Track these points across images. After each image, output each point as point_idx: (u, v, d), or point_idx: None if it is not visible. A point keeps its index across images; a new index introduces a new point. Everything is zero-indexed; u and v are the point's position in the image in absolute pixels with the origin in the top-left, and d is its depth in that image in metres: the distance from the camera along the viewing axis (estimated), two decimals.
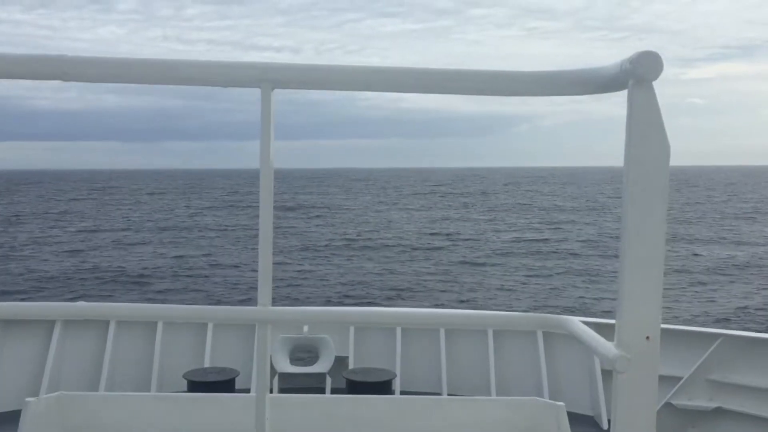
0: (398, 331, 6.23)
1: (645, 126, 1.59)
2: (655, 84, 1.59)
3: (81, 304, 2.22)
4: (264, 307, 1.91)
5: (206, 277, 25.60)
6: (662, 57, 1.57)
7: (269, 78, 1.82)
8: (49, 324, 5.93)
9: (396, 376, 5.82)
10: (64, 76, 1.81)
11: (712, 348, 5.38)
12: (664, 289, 1.66)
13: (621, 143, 1.67)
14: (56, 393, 2.96)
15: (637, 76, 1.56)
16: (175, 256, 30.39)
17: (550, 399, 4.29)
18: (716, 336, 5.44)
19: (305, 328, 6.14)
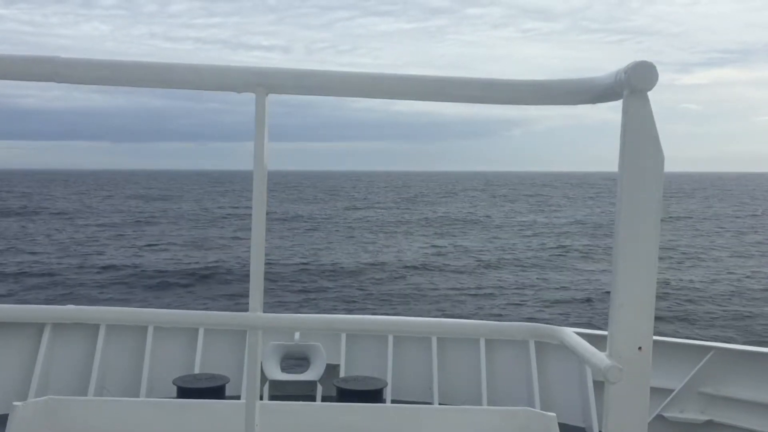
0: (390, 339, 6.22)
1: (639, 136, 1.60)
2: (650, 94, 1.59)
3: (71, 307, 2.20)
4: (255, 313, 1.89)
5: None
6: (659, 62, 1.58)
7: (264, 83, 1.82)
8: (38, 327, 5.89)
9: (387, 384, 5.80)
10: (56, 78, 1.80)
11: (704, 360, 5.38)
12: None
13: (615, 148, 1.67)
14: (44, 397, 2.94)
15: (631, 86, 1.57)
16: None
17: (541, 409, 4.29)
18: (708, 348, 5.45)
19: (296, 335, 6.12)
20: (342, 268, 28.67)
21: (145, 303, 21.24)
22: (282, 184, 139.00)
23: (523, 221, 54.74)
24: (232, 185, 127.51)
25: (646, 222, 1.61)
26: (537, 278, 27.02)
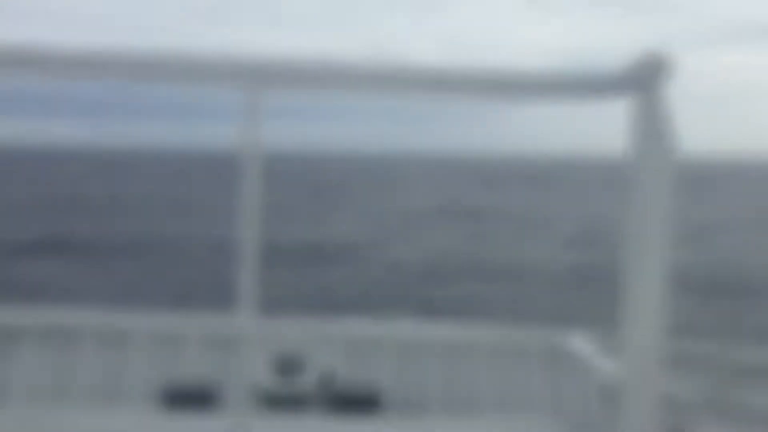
0: (389, 344, 6.17)
1: (651, 131, 1.55)
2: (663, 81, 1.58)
3: (49, 312, 2.14)
4: (247, 318, 1.90)
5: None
6: (673, 41, 1.54)
7: (257, 77, 1.80)
8: (13, 332, 5.79)
9: (385, 391, 5.74)
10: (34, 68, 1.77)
11: (717, 368, 5.36)
12: None
13: (622, 136, 1.65)
14: (20, 406, 2.90)
15: (643, 79, 1.56)
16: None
17: (547, 417, 4.22)
18: (722, 357, 5.43)
19: (290, 341, 6.07)
20: (341, 266, 28.62)
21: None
22: (274, 168, 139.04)
23: (531, 213, 54.65)
24: (219, 170, 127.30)
25: (655, 219, 1.56)
26: (549, 281, 26.83)
